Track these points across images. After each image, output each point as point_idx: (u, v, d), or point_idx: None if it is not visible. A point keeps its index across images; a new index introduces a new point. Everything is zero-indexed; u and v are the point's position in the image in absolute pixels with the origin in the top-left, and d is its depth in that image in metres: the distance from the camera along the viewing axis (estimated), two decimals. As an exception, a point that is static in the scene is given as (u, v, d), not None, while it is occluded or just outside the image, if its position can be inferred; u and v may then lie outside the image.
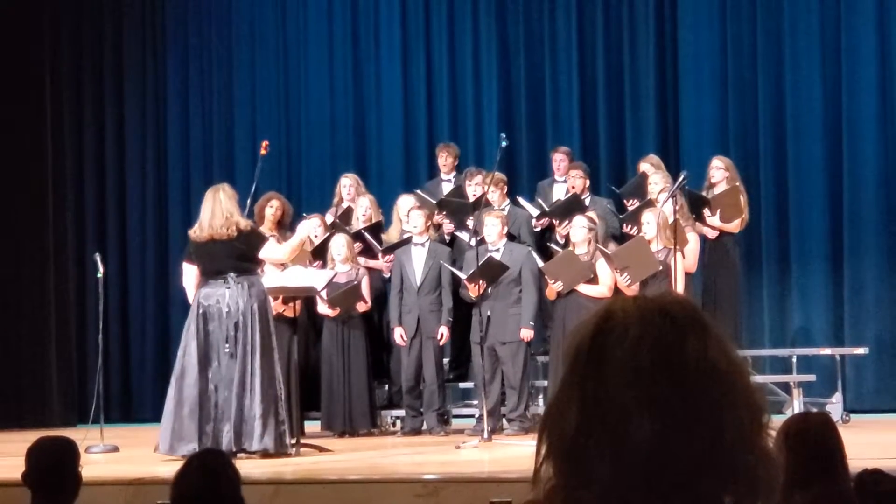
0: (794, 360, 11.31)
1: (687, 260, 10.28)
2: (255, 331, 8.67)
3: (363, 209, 11.29)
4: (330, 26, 14.07)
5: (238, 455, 8.42)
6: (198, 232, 8.82)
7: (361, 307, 10.76)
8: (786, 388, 10.97)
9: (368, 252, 11.15)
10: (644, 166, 11.40)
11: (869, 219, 12.23)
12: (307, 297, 10.48)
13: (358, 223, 11.26)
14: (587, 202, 11.28)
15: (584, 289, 10.14)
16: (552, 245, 10.86)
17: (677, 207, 10.02)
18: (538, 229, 11.36)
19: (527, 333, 10.36)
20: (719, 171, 11.14)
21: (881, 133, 12.32)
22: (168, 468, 7.33)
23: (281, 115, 14.10)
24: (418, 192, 11.63)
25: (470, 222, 10.75)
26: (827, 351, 11.56)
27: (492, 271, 10.23)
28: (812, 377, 11.06)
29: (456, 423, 11.16)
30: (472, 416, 11.01)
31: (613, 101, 13.16)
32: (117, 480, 7.40)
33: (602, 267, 10.16)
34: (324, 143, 13.91)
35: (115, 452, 9.43)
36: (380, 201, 11.57)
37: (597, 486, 1.49)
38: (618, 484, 1.48)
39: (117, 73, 14.23)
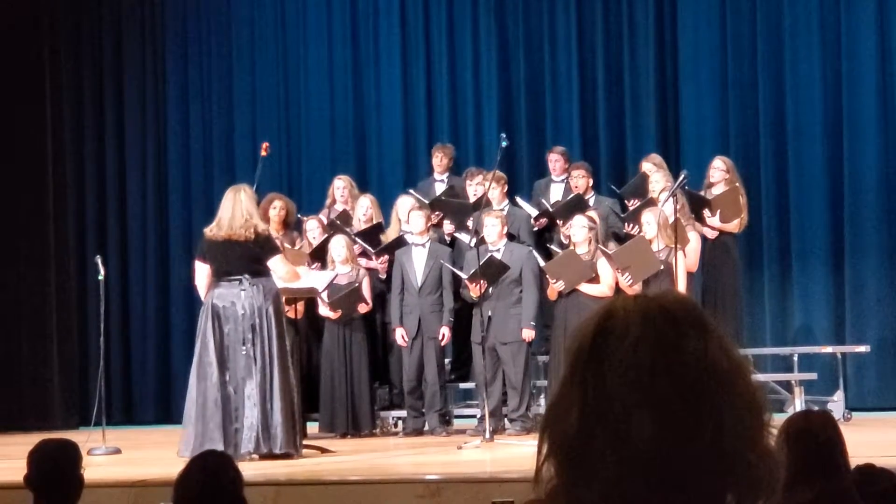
0: (796, 358, 11.32)
1: (688, 259, 10.29)
2: (272, 334, 8.68)
3: (364, 209, 11.29)
4: (329, 27, 14.07)
5: (252, 457, 8.45)
6: (215, 231, 8.78)
7: (362, 308, 10.77)
8: (787, 386, 10.97)
9: (367, 253, 11.15)
10: (646, 165, 11.40)
11: (870, 216, 12.23)
12: (308, 299, 10.48)
13: (359, 224, 11.26)
14: (591, 202, 11.29)
15: (586, 288, 10.14)
16: (552, 246, 10.86)
17: (678, 207, 10.03)
18: (536, 229, 11.36)
19: (528, 333, 10.36)
20: (719, 172, 11.14)
21: (881, 132, 12.31)
22: (170, 470, 7.33)
23: (281, 117, 14.10)
24: (411, 191, 11.64)
25: (470, 223, 10.75)
26: (828, 349, 11.55)
27: (493, 271, 10.23)
28: (813, 376, 11.06)
29: (457, 424, 11.16)
30: (474, 416, 11.01)
31: (613, 101, 13.16)
32: (119, 482, 7.40)
33: (603, 266, 10.16)
34: (324, 144, 13.91)
35: (117, 454, 9.44)
36: (379, 202, 11.57)
37: (598, 485, 1.49)
38: (619, 483, 1.48)
39: (117, 74, 14.23)
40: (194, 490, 3.92)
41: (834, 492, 3.78)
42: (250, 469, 7.02)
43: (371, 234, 11.11)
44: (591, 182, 11.56)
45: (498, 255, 10.35)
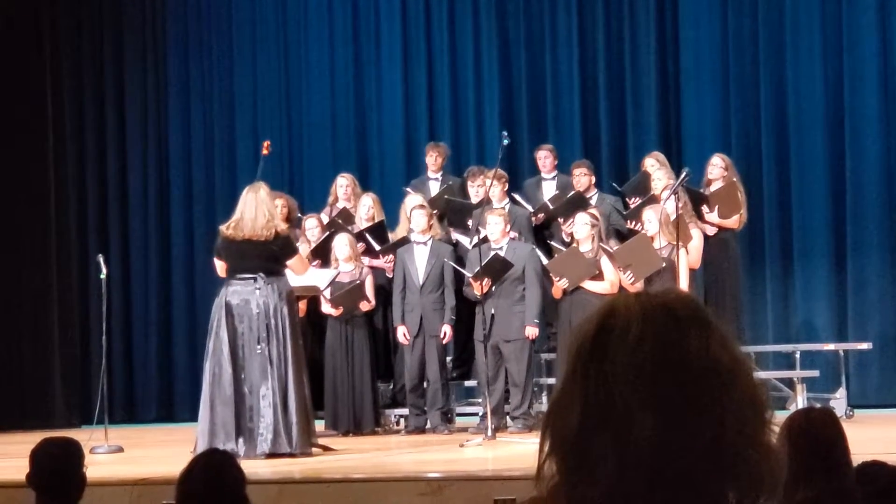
0: (798, 355, 11.32)
1: (690, 256, 10.28)
2: (286, 334, 8.69)
3: (366, 208, 11.29)
4: (331, 26, 14.07)
5: (269, 457, 8.46)
6: (234, 229, 8.77)
7: (365, 306, 10.76)
8: (789, 383, 10.97)
9: (371, 252, 11.15)
10: (648, 162, 11.40)
11: (872, 213, 12.24)
12: (311, 297, 10.48)
13: (361, 222, 11.26)
14: (594, 200, 11.28)
15: (590, 285, 10.14)
16: (554, 243, 10.86)
17: (681, 204, 10.02)
18: (535, 224, 11.33)
19: (531, 331, 10.36)
20: (717, 169, 11.13)
21: (883, 128, 12.31)
22: (172, 468, 7.33)
23: (282, 115, 14.11)
24: (408, 189, 11.65)
25: (470, 223, 10.75)
26: (830, 346, 11.55)
27: (496, 268, 10.23)
28: (815, 373, 11.06)
29: (460, 422, 11.16)
30: (476, 414, 11.02)
31: (615, 99, 13.16)
32: (122, 481, 7.40)
33: (606, 263, 10.16)
34: (325, 142, 13.92)
35: (119, 453, 9.44)
36: (381, 201, 11.56)
37: (600, 482, 1.49)
38: (621, 481, 1.48)
39: (118, 74, 14.24)
40: (197, 488, 3.92)
41: (836, 489, 3.78)
42: (252, 467, 7.01)
43: (378, 231, 11.11)
44: (593, 180, 11.55)
45: (501, 253, 10.35)
